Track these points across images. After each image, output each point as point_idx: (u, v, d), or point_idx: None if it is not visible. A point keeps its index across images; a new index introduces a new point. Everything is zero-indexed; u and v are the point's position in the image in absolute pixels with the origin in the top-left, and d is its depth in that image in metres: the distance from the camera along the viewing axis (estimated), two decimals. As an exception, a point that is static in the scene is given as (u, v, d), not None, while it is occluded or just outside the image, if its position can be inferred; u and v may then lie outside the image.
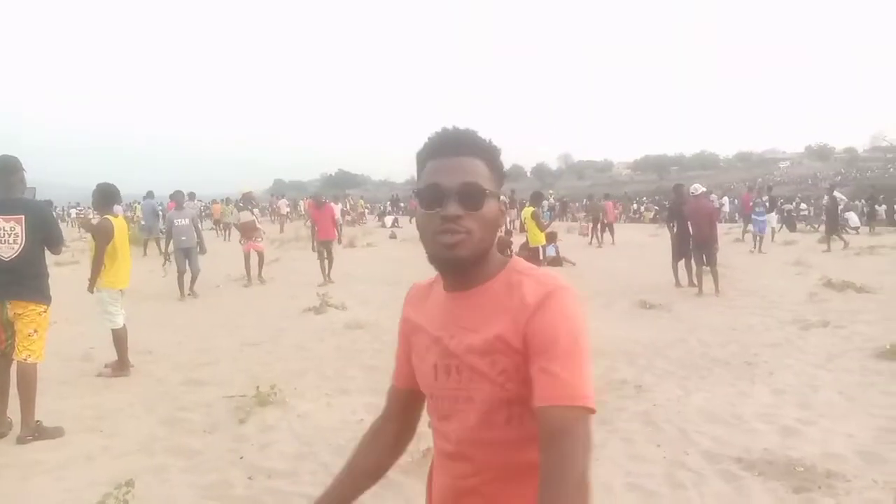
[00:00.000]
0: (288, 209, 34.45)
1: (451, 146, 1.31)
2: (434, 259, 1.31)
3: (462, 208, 1.25)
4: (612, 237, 21.31)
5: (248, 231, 12.32)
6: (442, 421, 1.38)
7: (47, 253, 4.83)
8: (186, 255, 10.80)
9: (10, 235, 4.54)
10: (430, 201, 1.28)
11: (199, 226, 11.46)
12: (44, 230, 4.71)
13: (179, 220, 10.89)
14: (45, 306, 4.69)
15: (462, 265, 1.29)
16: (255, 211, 13.62)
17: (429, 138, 1.35)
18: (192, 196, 21.16)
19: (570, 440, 1.18)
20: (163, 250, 11.83)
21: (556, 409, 1.19)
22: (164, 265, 11.21)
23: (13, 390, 4.64)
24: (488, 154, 1.34)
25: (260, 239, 12.58)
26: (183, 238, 10.76)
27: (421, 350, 1.40)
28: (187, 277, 10.95)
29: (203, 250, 11.11)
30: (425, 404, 1.48)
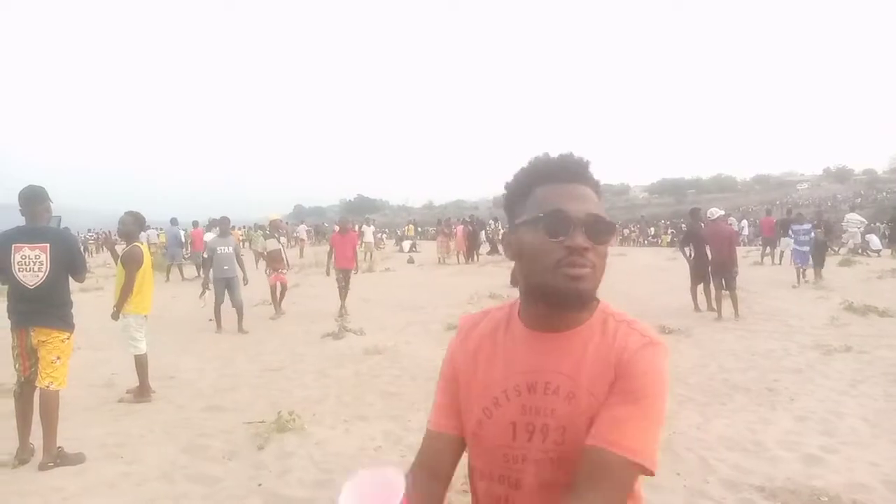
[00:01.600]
0: (307, 234, 34.90)
1: (571, 172, 1.23)
2: (551, 292, 1.17)
3: (589, 240, 1.16)
4: None
5: (275, 261, 11.66)
6: (502, 484, 1.22)
7: (71, 280, 4.91)
8: (227, 286, 10.15)
9: (34, 263, 4.62)
10: (556, 229, 1.16)
11: (241, 255, 10.63)
12: (68, 258, 4.80)
13: (223, 248, 10.23)
14: (69, 333, 4.76)
15: (585, 301, 1.19)
16: (283, 240, 12.96)
17: (537, 160, 1.26)
18: (216, 222, 21.37)
19: (620, 494, 1.13)
20: (203, 278, 11.17)
21: (619, 458, 1.11)
22: (201, 295, 10.55)
23: (35, 416, 4.70)
24: (598, 186, 1.27)
25: (285, 270, 12.00)
26: (225, 267, 10.13)
27: (484, 401, 1.24)
28: (225, 309, 10.20)
29: (245, 281, 10.49)
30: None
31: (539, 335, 1.23)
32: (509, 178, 1.30)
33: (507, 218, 1.29)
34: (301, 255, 25.72)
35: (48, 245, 4.67)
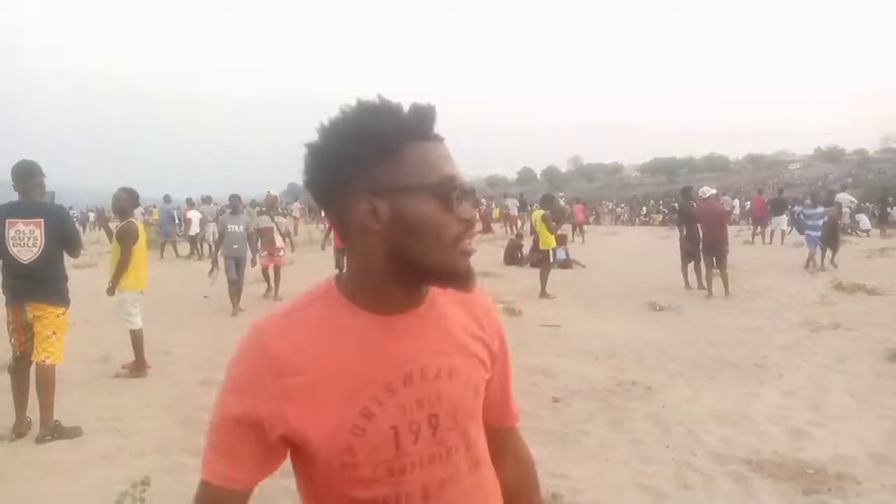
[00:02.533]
0: (301, 212, 34.95)
1: (435, 127, 1.01)
2: (450, 273, 0.99)
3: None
4: (582, 237, 22.52)
5: (267, 240, 10.89)
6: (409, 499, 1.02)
7: (66, 256, 4.92)
8: (236, 264, 9.77)
9: (29, 239, 4.62)
10: (453, 199, 0.97)
11: (253, 235, 10.20)
12: (62, 234, 4.80)
13: (233, 227, 9.89)
14: (64, 308, 4.78)
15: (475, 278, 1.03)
16: (279, 219, 11.68)
17: (397, 109, 0.98)
18: (207, 199, 21.28)
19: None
20: (211, 256, 10.75)
21: (517, 430, 1.27)
22: (210, 272, 10.17)
23: (32, 391, 4.73)
24: None
25: (281, 252, 11.24)
26: (235, 246, 9.78)
27: (350, 418, 0.97)
28: (219, 288, 9.94)
29: (254, 262, 10.25)
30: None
31: (393, 318, 1.02)
32: (346, 121, 0.98)
33: (357, 177, 0.98)
34: (295, 233, 25.69)
35: (42, 220, 4.67)
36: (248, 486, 1.00)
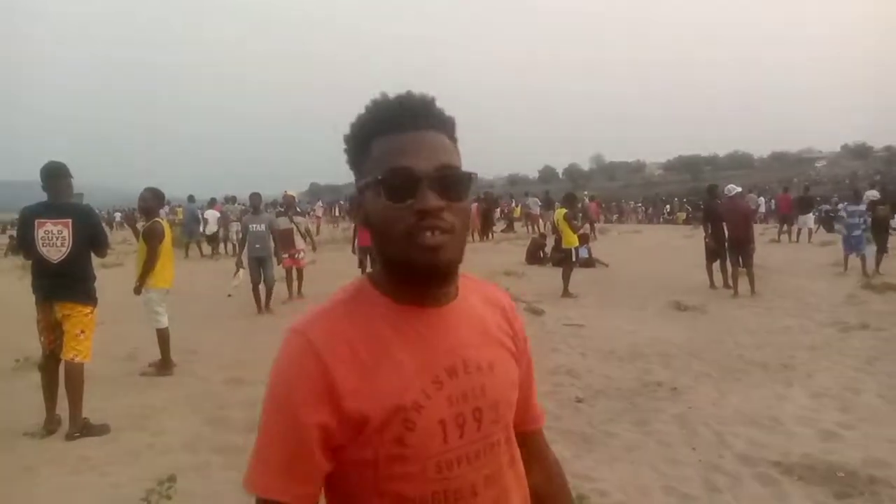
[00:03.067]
0: (323, 211, 35.28)
1: (412, 117, 0.99)
2: (410, 267, 0.96)
3: (442, 199, 0.95)
4: (594, 234, 21.95)
5: (286, 242, 10.52)
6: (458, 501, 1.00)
7: (94, 256, 4.99)
8: (260, 265, 9.67)
9: (58, 239, 4.70)
10: (401, 191, 0.95)
11: (276, 233, 10.07)
12: (90, 234, 4.88)
13: (255, 226, 9.74)
14: (92, 307, 4.85)
15: (449, 273, 1.00)
16: (298, 219, 11.38)
17: (375, 105, 1.02)
18: (231, 199, 21.48)
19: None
20: (236, 257, 10.48)
21: (542, 434, 1.27)
22: (235, 274, 9.90)
23: (61, 389, 4.81)
24: (451, 128, 1.05)
25: (302, 254, 10.96)
26: (257, 246, 9.66)
27: (401, 410, 0.95)
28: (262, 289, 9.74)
29: (279, 260, 10.11)
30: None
31: (430, 311, 1.02)
32: (354, 122, 1.04)
33: (354, 177, 1.05)
34: (317, 233, 25.89)
35: (70, 220, 4.74)
36: (311, 492, 0.97)
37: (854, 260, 12.38)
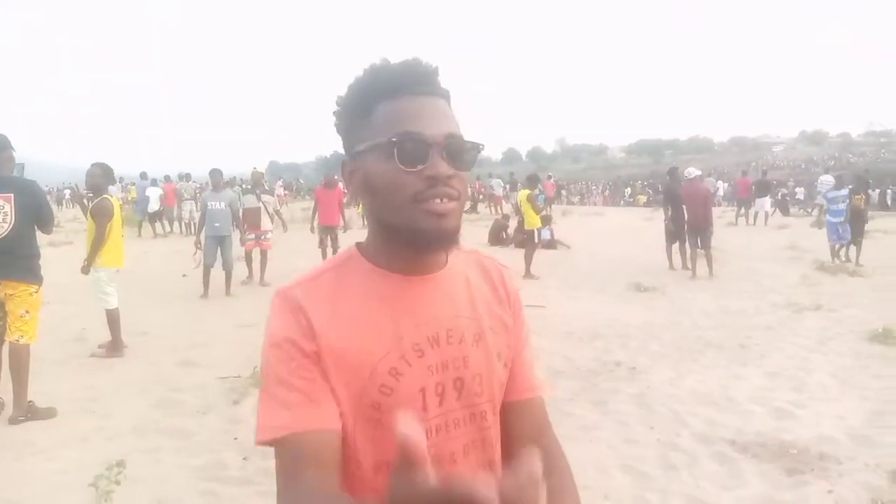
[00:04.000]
0: (284, 190, 34.80)
1: (421, 83, 0.98)
2: (412, 232, 0.95)
3: (451, 167, 0.95)
4: (549, 210, 22.15)
5: (252, 221, 10.02)
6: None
7: (40, 234, 4.79)
8: (219, 244, 9.25)
9: None
10: (413, 155, 0.93)
11: (238, 212, 9.64)
12: (34, 209, 4.65)
13: (214, 203, 9.30)
14: (37, 286, 4.64)
15: (453, 241, 0.99)
16: (266, 198, 10.67)
17: (378, 68, 0.99)
18: (186, 177, 20.98)
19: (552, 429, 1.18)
20: (195, 237, 9.77)
21: (541, 400, 1.16)
22: (194, 254, 9.32)
23: (4, 371, 4.62)
24: (450, 97, 1.04)
25: (269, 235, 10.37)
26: (217, 224, 9.20)
27: (378, 375, 0.96)
28: (216, 273, 9.28)
29: (242, 241, 9.82)
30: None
31: (416, 279, 1.01)
32: (342, 90, 1.02)
33: (345, 143, 1.03)
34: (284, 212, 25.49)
35: (12, 195, 4.52)
36: (335, 426, 0.94)
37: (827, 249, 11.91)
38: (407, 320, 0.99)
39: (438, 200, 0.94)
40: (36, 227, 4.73)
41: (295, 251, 10.92)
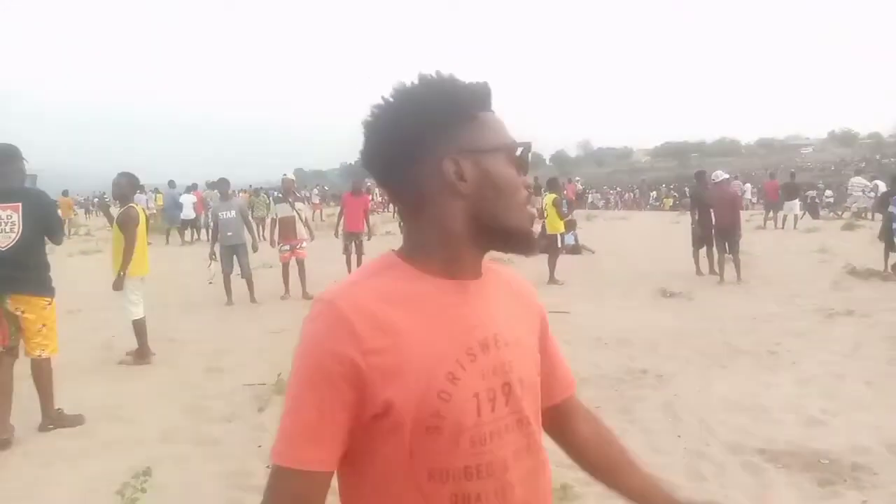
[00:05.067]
0: (320, 198, 35.17)
1: (491, 101, 1.07)
2: (516, 233, 1.03)
3: None
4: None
5: (287, 231, 9.78)
6: (471, 480, 0.97)
7: (65, 244, 4.81)
8: (234, 253, 9.23)
9: (6, 224, 4.35)
10: (525, 164, 1.05)
11: (249, 218, 9.56)
12: (43, 219, 4.54)
13: (225, 213, 9.21)
14: (49, 299, 4.53)
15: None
16: (299, 205, 10.32)
17: (469, 83, 1.03)
18: (213, 185, 21.22)
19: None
20: (210, 248, 9.63)
21: (575, 398, 1.28)
22: (209, 266, 9.35)
23: (21, 390, 4.52)
24: None
25: (304, 244, 9.93)
26: (229, 234, 9.16)
27: (436, 382, 0.94)
28: (236, 280, 9.34)
29: (255, 247, 9.74)
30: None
31: (464, 284, 1.03)
32: (422, 90, 1.01)
33: (430, 142, 1.00)
34: (316, 220, 25.65)
35: (20, 205, 4.39)
36: (328, 468, 0.95)
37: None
38: (458, 324, 0.99)
39: (532, 208, 1.06)
40: (45, 238, 4.63)
41: (320, 258, 10.94)
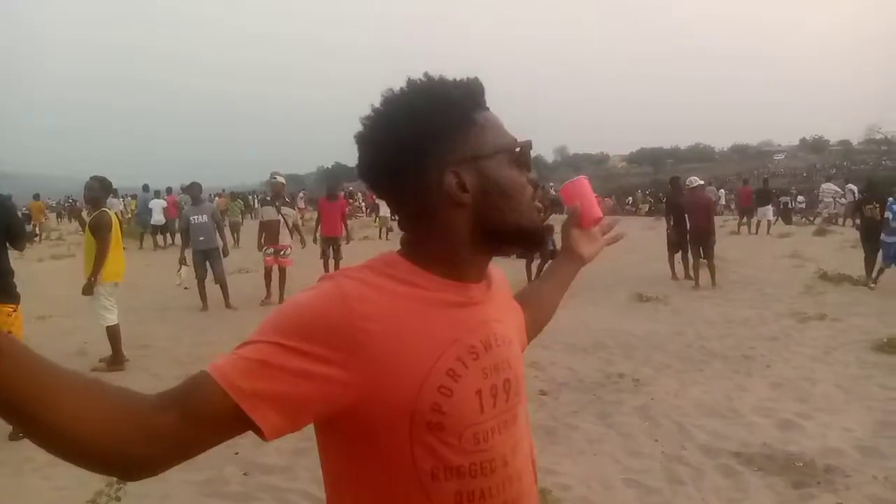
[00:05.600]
0: (305, 202, 34.83)
1: (485, 97, 1.06)
2: (528, 233, 1.04)
3: None
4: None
5: (271, 235, 9.48)
6: (475, 477, 0.97)
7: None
8: (206, 258, 9.13)
9: None
10: (528, 162, 1.06)
11: (222, 223, 9.37)
12: (3, 225, 4.47)
13: (197, 217, 9.09)
14: (14, 305, 4.45)
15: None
16: (286, 210, 9.81)
17: (461, 82, 1.01)
18: (188, 189, 21.02)
19: None
20: (180, 253, 9.46)
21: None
22: (178, 271, 9.15)
23: None
24: None
25: (288, 251, 9.67)
26: (201, 238, 9.05)
27: (436, 377, 0.93)
28: (210, 285, 9.22)
29: (226, 252, 9.46)
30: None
31: (468, 285, 1.03)
32: (413, 97, 0.99)
33: (427, 152, 0.97)
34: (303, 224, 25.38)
35: None
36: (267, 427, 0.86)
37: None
38: (461, 322, 0.99)
39: (537, 202, 1.06)
40: (7, 243, 4.54)
41: (298, 263, 10.86)
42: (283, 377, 0.85)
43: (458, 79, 1.01)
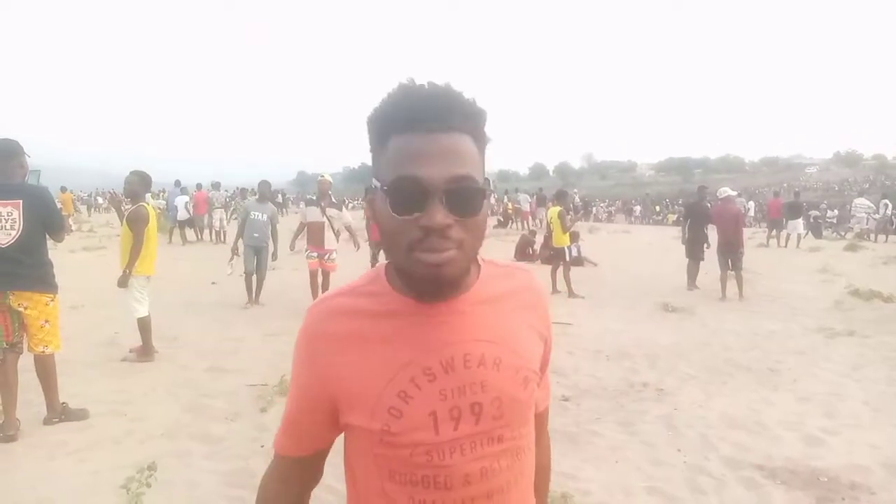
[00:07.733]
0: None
1: (433, 116, 0.91)
2: (411, 279, 0.97)
3: (452, 214, 0.90)
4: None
5: (314, 238, 8.82)
6: (429, 488, 0.99)
7: (67, 239, 4.77)
8: (256, 254, 9.07)
9: (7, 221, 4.33)
10: (407, 203, 0.90)
11: (277, 227, 9.39)
12: (44, 215, 4.52)
13: (257, 214, 9.09)
14: (52, 295, 4.53)
15: (450, 286, 0.98)
16: (332, 212, 8.93)
17: (395, 97, 0.94)
18: (216, 185, 21.27)
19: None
20: (232, 244, 9.39)
21: (543, 414, 1.26)
22: (230, 261, 9.17)
23: (25, 385, 4.54)
24: (478, 125, 0.97)
25: (334, 255, 8.92)
26: (255, 234, 9.01)
27: (386, 398, 0.97)
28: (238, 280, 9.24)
29: (275, 256, 9.41)
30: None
31: (437, 305, 1.00)
32: (383, 103, 0.96)
33: (372, 165, 1.00)
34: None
35: (21, 201, 4.37)
36: (305, 454, 1.11)
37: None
38: (419, 345, 0.99)
39: (433, 254, 0.91)
40: (47, 235, 4.61)
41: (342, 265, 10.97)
42: (303, 419, 1.11)
43: (410, 91, 0.94)
